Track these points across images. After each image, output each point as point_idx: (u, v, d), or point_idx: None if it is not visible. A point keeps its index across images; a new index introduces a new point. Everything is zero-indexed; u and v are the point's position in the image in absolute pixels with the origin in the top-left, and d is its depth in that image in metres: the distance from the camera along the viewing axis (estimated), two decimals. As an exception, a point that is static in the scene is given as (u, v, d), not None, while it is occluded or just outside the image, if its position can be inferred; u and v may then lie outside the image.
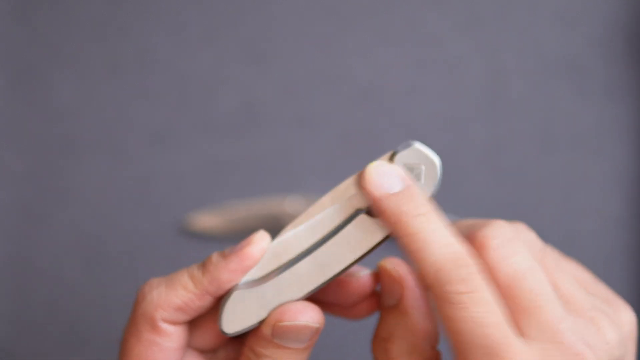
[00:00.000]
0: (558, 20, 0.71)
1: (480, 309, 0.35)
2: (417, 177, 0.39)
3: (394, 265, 0.40)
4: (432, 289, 0.36)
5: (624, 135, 0.70)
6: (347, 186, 0.40)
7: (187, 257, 0.71)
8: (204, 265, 0.40)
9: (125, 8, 0.71)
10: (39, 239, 0.71)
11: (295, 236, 0.40)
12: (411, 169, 0.39)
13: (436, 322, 0.40)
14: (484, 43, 0.71)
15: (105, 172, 0.71)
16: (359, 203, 0.40)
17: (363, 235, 0.39)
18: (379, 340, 0.41)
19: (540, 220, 0.70)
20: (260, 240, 0.40)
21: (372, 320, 0.45)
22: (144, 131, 0.71)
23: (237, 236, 0.71)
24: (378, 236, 0.39)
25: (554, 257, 0.40)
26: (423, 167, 0.39)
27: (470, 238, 0.38)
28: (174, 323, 0.40)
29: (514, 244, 0.37)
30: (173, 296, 0.39)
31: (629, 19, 0.70)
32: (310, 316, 0.39)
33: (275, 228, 0.70)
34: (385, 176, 0.39)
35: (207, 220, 0.71)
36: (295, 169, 0.71)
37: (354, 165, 0.71)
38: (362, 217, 0.39)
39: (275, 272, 0.40)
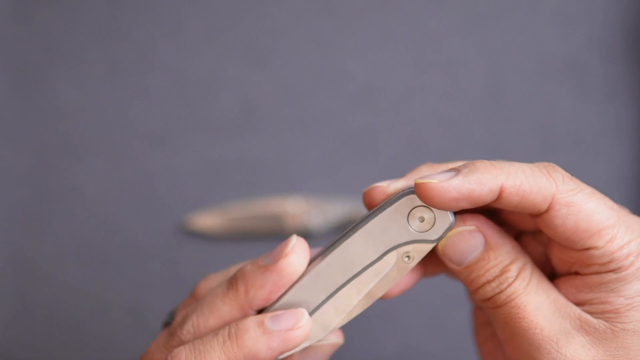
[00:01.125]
0: (558, 20, 0.71)
1: (597, 195, 0.38)
2: (429, 221, 0.39)
3: (460, 220, 0.40)
4: (558, 193, 0.38)
5: (624, 135, 0.70)
6: (387, 219, 0.39)
7: (187, 257, 0.71)
8: (237, 336, 0.38)
9: (125, 8, 0.71)
10: (39, 239, 0.71)
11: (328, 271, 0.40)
12: (422, 217, 0.39)
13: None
14: (484, 43, 0.71)
15: (105, 172, 0.71)
16: (399, 237, 0.39)
17: (375, 284, 0.40)
18: (490, 283, 0.40)
19: (540, 220, 0.70)
20: (308, 324, 0.39)
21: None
22: (144, 131, 0.71)
23: (237, 236, 0.71)
24: (388, 284, 0.40)
25: None
26: (431, 210, 0.39)
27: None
28: None
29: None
30: None
31: (629, 19, 0.70)
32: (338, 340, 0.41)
33: (275, 228, 0.70)
34: (436, 174, 0.38)
35: (207, 220, 0.71)
36: (295, 169, 0.71)
37: (354, 165, 0.71)
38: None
39: (315, 305, 0.40)
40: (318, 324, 0.39)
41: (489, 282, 0.39)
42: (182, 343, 0.39)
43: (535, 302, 0.38)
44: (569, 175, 0.39)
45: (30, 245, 0.71)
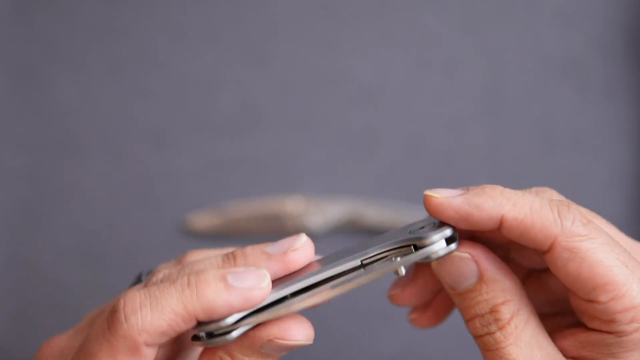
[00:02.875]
0: (558, 20, 0.71)
1: (603, 234, 0.36)
2: (424, 230, 0.38)
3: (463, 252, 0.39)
4: (562, 235, 0.36)
5: (624, 135, 0.70)
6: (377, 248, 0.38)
7: (187, 257, 0.71)
8: (197, 286, 0.37)
9: (125, 8, 0.71)
10: (39, 239, 0.71)
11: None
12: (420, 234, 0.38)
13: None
14: (484, 43, 0.71)
15: (105, 172, 0.71)
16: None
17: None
18: (481, 317, 0.39)
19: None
20: (268, 286, 0.37)
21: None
22: (144, 131, 0.71)
23: (236, 236, 0.71)
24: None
25: None
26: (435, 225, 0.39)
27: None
28: (154, 345, 0.37)
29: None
30: (160, 320, 0.36)
31: (629, 19, 0.70)
32: (307, 335, 0.38)
33: (275, 228, 0.70)
34: (445, 190, 0.38)
35: (207, 220, 0.71)
36: (295, 169, 0.71)
37: (354, 165, 0.71)
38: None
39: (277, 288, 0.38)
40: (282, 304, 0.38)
41: (478, 316, 0.38)
42: None
43: (525, 356, 0.37)
44: (587, 219, 0.36)
45: (30, 245, 0.71)
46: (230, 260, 0.39)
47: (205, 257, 0.40)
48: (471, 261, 0.38)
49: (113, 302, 0.39)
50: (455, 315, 0.69)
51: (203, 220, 0.71)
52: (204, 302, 0.36)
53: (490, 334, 0.38)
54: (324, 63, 0.71)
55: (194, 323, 0.37)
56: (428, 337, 0.70)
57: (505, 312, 0.37)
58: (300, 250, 0.39)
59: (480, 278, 0.38)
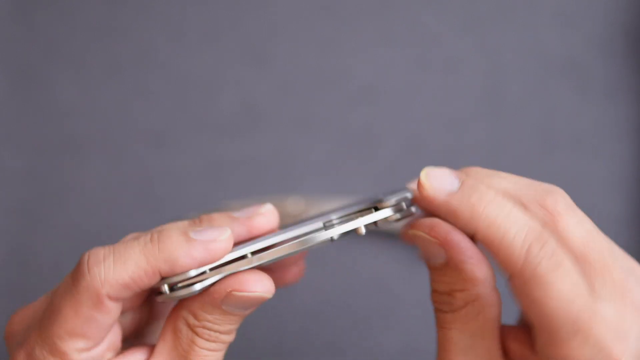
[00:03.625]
0: (558, 20, 0.71)
1: (567, 284, 0.35)
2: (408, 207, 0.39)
3: (429, 228, 0.39)
4: (522, 273, 0.35)
5: (624, 135, 0.70)
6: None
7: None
8: (159, 240, 0.37)
9: (125, 8, 0.71)
10: (39, 239, 0.71)
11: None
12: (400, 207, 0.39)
13: (491, 266, 0.39)
14: (484, 43, 0.71)
15: (105, 172, 0.71)
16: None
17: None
18: (439, 295, 0.40)
19: (540, 220, 0.70)
20: (229, 239, 0.38)
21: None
22: (144, 131, 0.71)
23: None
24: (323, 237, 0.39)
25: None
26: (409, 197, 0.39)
27: (541, 204, 0.38)
28: (117, 299, 0.38)
29: (577, 209, 0.38)
30: (123, 272, 0.37)
31: (629, 19, 0.70)
32: (268, 288, 0.38)
33: (275, 228, 0.70)
34: (441, 178, 0.39)
35: (207, 220, 0.71)
36: (295, 169, 0.71)
37: (354, 165, 0.71)
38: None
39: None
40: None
41: (437, 292, 0.39)
42: None
43: (464, 345, 0.37)
44: (559, 263, 0.36)
45: (30, 245, 0.71)
46: (196, 223, 0.39)
47: (173, 222, 0.40)
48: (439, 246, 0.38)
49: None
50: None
51: (203, 220, 0.71)
52: (166, 253, 0.37)
53: (442, 311, 0.39)
54: (324, 63, 0.71)
55: (157, 278, 0.37)
56: (428, 337, 0.70)
57: (460, 298, 0.38)
58: (265, 215, 0.39)
59: (446, 262, 0.38)
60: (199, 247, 0.37)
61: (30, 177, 0.71)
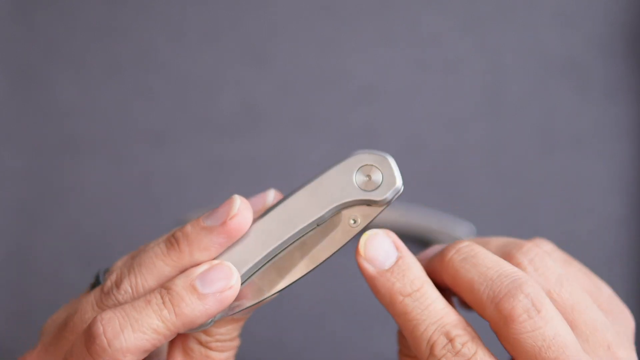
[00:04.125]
0: (558, 20, 0.71)
1: None
2: (376, 181, 0.39)
3: None
4: None
5: (624, 135, 0.70)
6: (321, 184, 0.39)
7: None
8: (173, 304, 0.37)
9: (125, 8, 0.71)
10: (39, 239, 0.71)
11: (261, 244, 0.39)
12: (369, 175, 0.39)
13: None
14: (484, 43, 0.71)
15: (105, 172, 0.71)
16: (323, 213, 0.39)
17: (318, 246, 0.39)
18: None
19: (540, 220, 0.70)
20: (238, 282, 0.38)
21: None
22: (144, 131, 0.71)
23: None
24: (331, 249, 0.39)
25: (573, 272, 0.40)
26: (379, 169, 0.39)
27: (507, 255, 0.38)
28: None
29: (545, 307, 0.37)
30: (143, 341, 0.36)
31: (629, 19, 0.70)
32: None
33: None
34: (380, 249, 0.38)
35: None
36: (295, 169, 0.71)
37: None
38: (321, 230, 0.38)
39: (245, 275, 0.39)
40: (260, 284, 0.39)
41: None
42: (119, 304, 0.38)
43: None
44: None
45: (30, 245, 0.71)
46: (174, 245, 0.38)
47: (149, 246, 0.40)
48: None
49: (80, 317, 0.39)
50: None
51: (203, 220, 0.71)
52: (184, 319, 0.37)
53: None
54: (324, 63, 0.71)
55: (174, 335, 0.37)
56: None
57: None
58: (239, 216, 0.39)
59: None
60: (213, 302, 0.37)
61: (30, 177, 0.71)
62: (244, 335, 0.43)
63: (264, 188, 0.72)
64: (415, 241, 0.68)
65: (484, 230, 0.69)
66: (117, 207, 0.71)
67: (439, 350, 0.36)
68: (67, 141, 0.71)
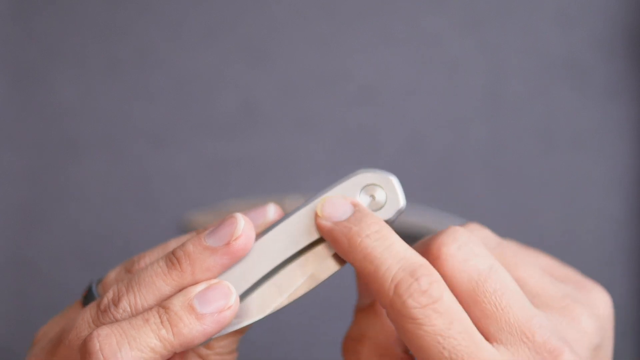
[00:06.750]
0: (558, 20, 0.71)
1: (444, 320, 0.34)
2: (380, 202, 0.38)
3: None
4: (392, 306, 0.34)
5: (624, 135, 0.70)
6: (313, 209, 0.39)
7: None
8: (171, 323, 0.36)
9: (125, 8, 0.71)
10: (39, 239, 0.71)
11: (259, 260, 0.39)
12: (372, 195, 0.39)
13: None
14: (484, 43, 0.71)
15: (105, 172, 0.71)
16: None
17: (319, 265, 0.38)
18: (350, 341, 0.40)
19: (540, 221, 0.70)
20: (236, 302, 0.37)
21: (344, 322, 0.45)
22: (144, 131, 0.71)
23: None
24: (332, 268, 0.38)
25: (513, 251, 0.38)
26: (383, 189, 0.38)
27: (426, 251, 0.37)
28: None
29: (470, 247, 0.36)
30: (141, 359, 0.36)
31: (629, 19, 0.70)
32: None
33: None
34: (336, 206, 0.38)
35: (207, 220, 0.71)
36: (295, 169, 0.71)
37: (354, 165, 0.71)
38: (320, 249, 0.38)
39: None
40: (260, 301, 0.38)
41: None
42: (116, 322, 0.37)
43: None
44: (433, 298, 0.34)
45: (30, 245, 0.71)
46: (175, 265, 0.38)
47: (149, 264, 0.39)
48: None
49: (76, 335, 0.38)
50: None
51: (203, 220, 0.71)
52: (182, 339, 0.36)
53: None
54: (324, 63, 0.71)
55: (171, 355, 0.37)
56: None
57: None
58: (243, 237, 0.38)
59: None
60: (211, 323, 0.37)
61: (30, 177, 0.71)
62: (243, 335, 0.43)
63: (263, 188, 0.72)
64: (415, 241, 0.68)
65: (484, 230, 0.69)
66: (116, 207, 0.71)
67: (404, 290, 0.34)
68: (67, 141, 0.71)
